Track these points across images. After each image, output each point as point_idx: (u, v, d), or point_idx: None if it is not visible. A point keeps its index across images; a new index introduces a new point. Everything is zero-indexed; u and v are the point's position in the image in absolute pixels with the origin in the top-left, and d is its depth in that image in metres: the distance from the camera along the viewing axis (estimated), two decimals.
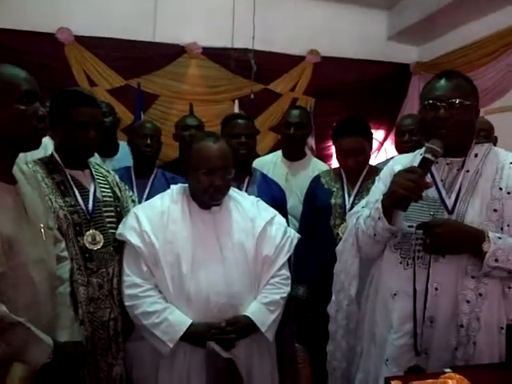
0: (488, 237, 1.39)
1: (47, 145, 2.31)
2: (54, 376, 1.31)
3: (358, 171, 2.39)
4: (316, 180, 2.51)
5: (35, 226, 1.36)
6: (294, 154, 2.84)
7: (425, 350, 1.47)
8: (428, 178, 1.52)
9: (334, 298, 1.79)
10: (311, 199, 2.47)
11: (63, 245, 1.60)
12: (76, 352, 1.41)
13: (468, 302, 1.42)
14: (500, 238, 1.40)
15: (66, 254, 1.59)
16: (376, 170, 2.41)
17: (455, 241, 1.42)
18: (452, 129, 1.46)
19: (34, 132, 1.30)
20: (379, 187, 1.67)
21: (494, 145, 1.63)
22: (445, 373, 1.19)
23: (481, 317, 1.41)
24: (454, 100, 1.46)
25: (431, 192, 1.53)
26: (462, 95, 1.47)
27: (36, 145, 1.35)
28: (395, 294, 1.53)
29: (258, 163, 2.72)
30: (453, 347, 1.44)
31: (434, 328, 1.46)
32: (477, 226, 1.43)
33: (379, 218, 1.50)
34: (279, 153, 2.92)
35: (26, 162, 1.72)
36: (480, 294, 1.42)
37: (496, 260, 1.38)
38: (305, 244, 2.24)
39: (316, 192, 2.45)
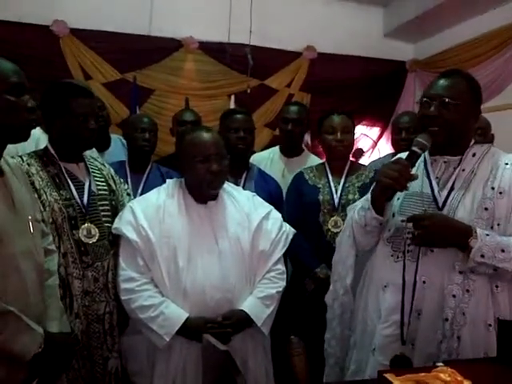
0: (475, 232, 1.41)
1: (39, 138, 2.29)
2: (46, 366, 1.32)
3: (342, 155, 2.38)
4: (299, 177, 2.45)
5: (23, 218, 1.36)
6: (291, 150, 2.83)
7: (411, 340, 1.50)
8: (424, 175, 1.57)
9: (331, 287, 1.83)
10: (297, 196, 2.41)
11: (51, 238, 1.59)
12: (67, 342, 1.42)
13: (454, 296, 1.45)
14: (488, 235, 1.42)
15: (53, 247, 1.58)
16: (358, 167, 2.45)
17: (441, 234, 1.45)
18: (441, 127, 1.49)
19: (23, 124, 1.30)
20: None
21: (491, 143, 1.65)
22: (437, 366, 1.20)
23: (467, 312, 1.44)
24: (444, 99, 1.49)
25: (426, 188, 1.57)
26: (453, 95, 1.49)
27: (25, 136, 1.34)
28: (385, 286, 1.58)
29: (254, 159, 2.72)
30: (438, 340, 1.47)
31: (420, 320, 1.49)
32: (466, 223, 1.46)
33: (368, 208, 1.57)
34: (276, 149, 2.90)
35: (20, 156, 1.71)
36: (467, 290, 1.45)
37: (482, 256, 1.40)
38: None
39: (301, 189, 2.41)
